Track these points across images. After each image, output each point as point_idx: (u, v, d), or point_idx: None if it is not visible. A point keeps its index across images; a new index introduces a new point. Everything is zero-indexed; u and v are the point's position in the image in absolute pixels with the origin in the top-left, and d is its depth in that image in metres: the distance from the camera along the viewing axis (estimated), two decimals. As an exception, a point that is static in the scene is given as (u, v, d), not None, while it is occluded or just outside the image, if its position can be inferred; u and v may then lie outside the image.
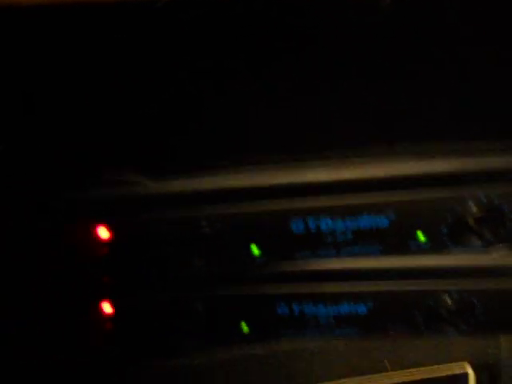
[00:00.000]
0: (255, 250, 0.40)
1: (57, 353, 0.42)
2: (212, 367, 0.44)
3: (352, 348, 0.47)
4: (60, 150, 0.37)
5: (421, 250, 0.42)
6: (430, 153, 0.40)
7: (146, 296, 0.40)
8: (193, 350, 0.43)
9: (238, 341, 0.43)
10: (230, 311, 0.42)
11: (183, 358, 0.43)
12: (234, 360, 0.44)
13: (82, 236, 0.37)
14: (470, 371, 0.50)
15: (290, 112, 0.42)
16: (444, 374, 0.49)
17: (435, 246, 0.42)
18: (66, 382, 0.43)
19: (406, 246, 0.42)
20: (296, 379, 0.46)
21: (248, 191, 0.39)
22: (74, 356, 0.42)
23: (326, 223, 0.40)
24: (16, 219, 0.37)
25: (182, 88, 0.41)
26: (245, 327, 0.43)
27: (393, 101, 0.42)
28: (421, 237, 0.41)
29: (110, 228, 0.37)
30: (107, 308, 0.40)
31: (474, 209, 0.40)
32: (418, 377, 0.49)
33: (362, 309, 0.44)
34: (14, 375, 0.43)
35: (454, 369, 0.49)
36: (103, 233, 0.37)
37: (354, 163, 0.39)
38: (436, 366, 0.50)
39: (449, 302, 0.44)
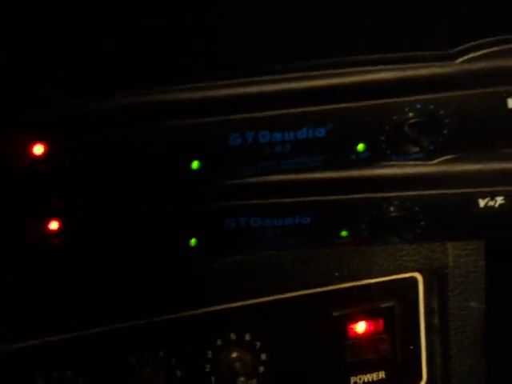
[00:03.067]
0: (195, 164, 0.41)
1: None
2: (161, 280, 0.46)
3: (301, 260, 0.48)
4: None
5: (361, 160, 0.43)
6: (366, 62, 0.40)
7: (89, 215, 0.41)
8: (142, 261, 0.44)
9: (186, 255, 0.44)
10: (177, 226, 0.43)
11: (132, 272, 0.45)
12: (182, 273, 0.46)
13: (18, 154, 0.37)
14: (419, 276, 0.51)
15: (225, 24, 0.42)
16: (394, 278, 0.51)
17: (375, 155, 0.43)
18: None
19: (345, 156, 0.42)
20: (244, 290, 0.47)
21: (185, 106, 0.39)
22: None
23: (263, 136, 0.41)
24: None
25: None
26: (193, 241, 0.44)
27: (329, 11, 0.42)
28: (360, 147, 0.42)
29: (46, 145, 0.37)
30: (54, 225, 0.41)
31: (410, 116, 0.41)
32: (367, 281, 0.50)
33: (305, 219, 0.45)
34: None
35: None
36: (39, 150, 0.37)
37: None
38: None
39: (391, 210, 0.45)
